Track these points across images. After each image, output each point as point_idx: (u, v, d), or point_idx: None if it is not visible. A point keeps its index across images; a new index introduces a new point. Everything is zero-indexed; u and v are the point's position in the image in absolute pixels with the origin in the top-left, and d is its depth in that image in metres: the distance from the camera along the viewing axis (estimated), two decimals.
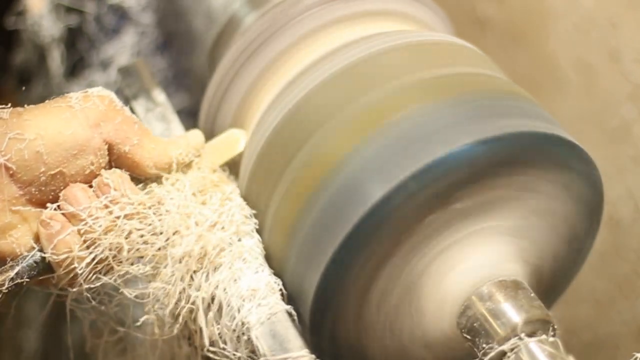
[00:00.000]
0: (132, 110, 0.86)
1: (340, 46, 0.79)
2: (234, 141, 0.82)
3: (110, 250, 0.69)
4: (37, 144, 0.67)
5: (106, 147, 0.71)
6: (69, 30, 1.16)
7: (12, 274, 0.67)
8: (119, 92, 1.06)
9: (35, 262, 0.68)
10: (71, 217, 0.69)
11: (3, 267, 0.68)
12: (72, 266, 0.68)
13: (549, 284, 0.81)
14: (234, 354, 0.69)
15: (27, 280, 0.68)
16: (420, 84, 0.74)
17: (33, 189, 0.68)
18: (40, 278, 0.69)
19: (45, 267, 0.69)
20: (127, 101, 0.88)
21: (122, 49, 1.18)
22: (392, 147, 0.70)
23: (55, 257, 0.68)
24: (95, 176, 0.71)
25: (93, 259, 0.69)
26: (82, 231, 0.69)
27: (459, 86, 0.74)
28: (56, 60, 1.16)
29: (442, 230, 0.71)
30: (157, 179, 0.74)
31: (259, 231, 0.77)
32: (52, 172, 0.68)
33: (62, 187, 0.70)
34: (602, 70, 0.99)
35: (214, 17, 0.97)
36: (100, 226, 0.68)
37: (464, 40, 0.83)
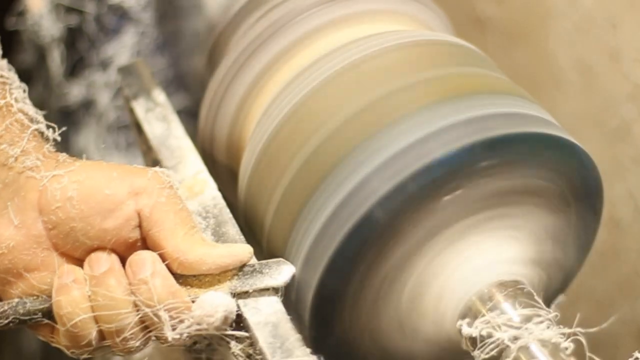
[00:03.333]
0: (132, 111, 0.86)
1: (340, 46, 0.79)
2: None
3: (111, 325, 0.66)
4: (72, 188, 0.66)
5: (137, 219, 0.68)
6: (69, 30, 1.16)
7: None
8: (119, 92, 1.06)
9: (31, 311, 0.67)
10: (90, 279, 0.67)
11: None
12: (73, 326, 0.66)
13: (549, 283, 0.81)
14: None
15: (17, 322, 0.67)
16: (420, 84, 0.74)
17: (56, 233, 0.67)
18: (39, 328, 0.69)
19: (48, 317, 0.67)
20: (127, 101, 0.88)
21: (122, 49, 1.18)
22: (391, 147, 0.70)
23: (58, 310, 0.66)
24: (120, 245, 0.68)
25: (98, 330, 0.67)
26: (90, 297, 0.66)
27: (458, 86, 0.74)
28: (56, 60, 1.16)
29: (442, 231, 0.71)
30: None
31: (259, 231, 0.77)
32: (76, 224, 0.66)
33: (84, 246, 0.67)
34: (602, 70, 0.99)
35: (214, 17, 0.98)
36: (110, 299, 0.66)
37: (464, 40, 0.83)
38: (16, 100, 0.71)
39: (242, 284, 0.69)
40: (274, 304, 0.69)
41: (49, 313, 0.67)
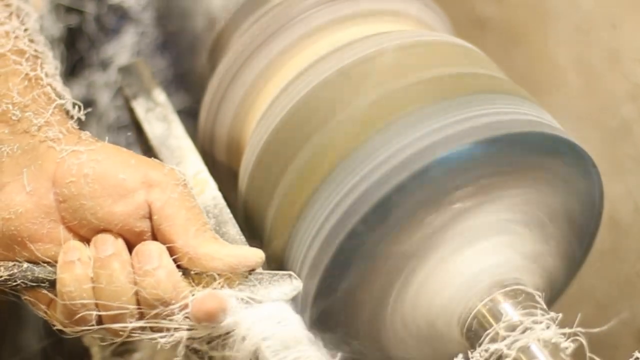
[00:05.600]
0: (132, 111, 0.86)
1: (340, 46, 0.79)
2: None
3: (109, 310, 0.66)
4: (89, 165, 0.67)
5: (147, 210, 0.68)
6: (69, 30, 1.16)
7: (5, 274, 0.67)
8: (119, 92, 1.06)
9: (39, 278, 0.67)
10: (95, 260, 0.67)
11: (6, 264, 0.68)
12: (73, 305, 0.66)
13: (549, 284, 0.81)
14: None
15: (23, 287, 0.67)
16: (420, 84, 0.74)
17: (66, 207, 0.67)
18: (38, 298, 0.69)
19: (54, 287, 0.67)
20: (127, 101, 0.87)
21: (122, 49, 1.18)
22: (391, 147, 0.70)
23: (61, 287, 0.66)
24: (127, 232, 0.68)
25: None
26: (93, 278, 0.66)
27: (458, 86, 0.74)
28: (56, 60, 1.16)
29: (442, 231, 0.71)
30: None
31: (259, 232, 0.77)
32: (86, 202, 0.67)
33: (91, 225, 0.67)
34: (602, 70, 0.99)
35: (214, 17, 0.97)
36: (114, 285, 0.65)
37: (464, 40, 0.83)
38: (46, 75, 0.72)
39: (248, 291, 0.68)
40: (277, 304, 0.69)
41: (55, 284, 0.67)
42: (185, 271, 0.68)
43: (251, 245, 0.72)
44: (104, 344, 0.71)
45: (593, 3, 0.97)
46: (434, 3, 0.90)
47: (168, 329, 0.67)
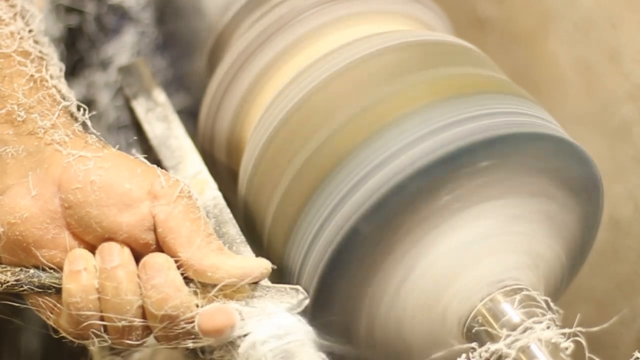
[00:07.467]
0: (132, 111, 0.86)
1: (340, 46, 0.79)
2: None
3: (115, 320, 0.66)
4: (96, 173, 0.66)
5: (152, 221, 0.67)
6: (69, 30, 1.16)
7: (12, 279, 0.67)
8: (119, 92, 1.06)
9: (46, 285, 0.67)
10: (101, 271, 0.66)
11: (13, 269, 0.67)
12: (79, 315, 0.66)
13: (549, 284, 0.81)
14: None
15: (30, 292, 0.67)
16: (420, 84, 0.74)
17: (71, 213, 0.66)
18: (42, 303, 0.68)
19: (57, 292, 0.67)
20: (127, 101, 0.88)
21: (122, 49, 1.18)
22: (391, 147, 0.70)
23: (67, 297, 0.66)
24: (132, 243, 0.67)
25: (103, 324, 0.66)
26: (99, 289, 0.66)
27: (458, 86, 0.74)
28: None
29: (442, 231, 0.71)
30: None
31: (259, 232, 0.77)
32: (92, 210, 0.66)
33: (97, 233, 0.66)
34: (602, 70, 0.99)
35: (214, 18, 0.98)
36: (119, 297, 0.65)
37: (464, 40, 0.83)
38: (51, 77, 0.71)
39: (254, 304, 0.68)
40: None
41: (61, 290, 0.67)
42: (191, 282, 0.67)
43: (251, 244, 0.72)
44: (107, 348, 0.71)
45: (593, 3, 0.97)
46: (434, 3, 0.90)
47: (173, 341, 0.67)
